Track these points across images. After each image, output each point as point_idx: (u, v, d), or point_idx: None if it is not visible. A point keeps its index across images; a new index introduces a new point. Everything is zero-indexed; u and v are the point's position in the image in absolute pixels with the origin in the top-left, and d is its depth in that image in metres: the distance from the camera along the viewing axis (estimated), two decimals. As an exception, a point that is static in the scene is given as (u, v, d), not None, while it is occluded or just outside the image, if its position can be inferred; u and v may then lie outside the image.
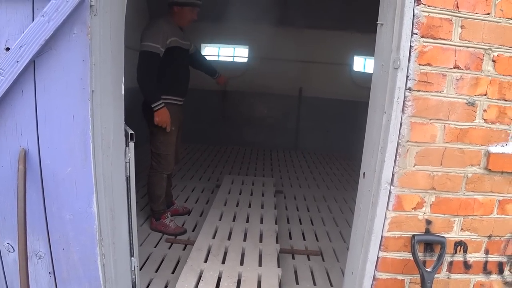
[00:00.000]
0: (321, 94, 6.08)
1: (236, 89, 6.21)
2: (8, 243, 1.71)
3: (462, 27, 1.58)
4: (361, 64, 6.71)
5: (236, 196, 3.68)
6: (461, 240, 1.77)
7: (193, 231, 3.17)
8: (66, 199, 1.68)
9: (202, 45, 6.38)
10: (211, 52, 6.55)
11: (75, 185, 1.68)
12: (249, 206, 3.46)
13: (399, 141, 1.61)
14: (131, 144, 1.97)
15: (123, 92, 1.91)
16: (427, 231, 1.73)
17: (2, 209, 1.66)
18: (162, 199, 3.05)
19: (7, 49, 1.52)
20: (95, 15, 1.60)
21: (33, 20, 1.50)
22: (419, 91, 1.58)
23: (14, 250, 1.70)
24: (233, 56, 6.60)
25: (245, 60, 6.38)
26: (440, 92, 1.60)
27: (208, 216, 3.16)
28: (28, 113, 1.58)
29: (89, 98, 1.60)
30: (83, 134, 1.63)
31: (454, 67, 1.60)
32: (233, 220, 3.19)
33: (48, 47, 1.53)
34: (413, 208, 1.70)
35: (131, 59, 2.74)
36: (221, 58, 6.61)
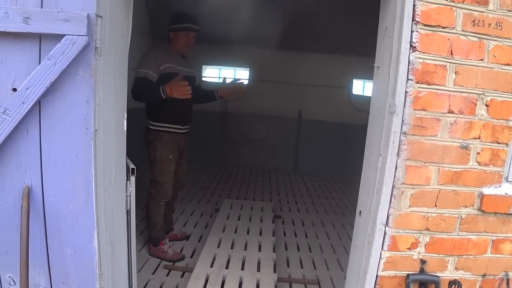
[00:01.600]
0: (321, 117, 6.15)
1: (236, 111, 6.29)
2: (9, 277, 1.72)
3: (456, 73, 1.63)
4: (360, 87, 6.79)
5: (235, 222, 3.69)
6: (455, 279, 1.79)
7: (191, 257, 3.16)
8: (68, 234, 1.71)
9: (203, 66, 6.47)
10: (212, 73, 6.63)
11: (76, 222, 1.70)
12: (248, 233, 3.46)
13: (394, 183, 1.65)
14: (132, 179, 2.00)
15: (125, 128, 1.95)
16: (422, 271, 1.75)
17: (5, 244, 1.68)
18: (159, 226, 3.06)
19: (14, 89, 1.56)
20: (99, 56, 1.64)
21: (39, 62, 1.55)
22: (414, 135, 1.62)
23: (15, 283, 1.71)
24: (234, 78, 6.66)
25: (246, 82, 6.46)
26: (435, 136, 1.64)
27: (207, 243, 3.16)
28: (32, 151, 1.62)
29: (92, 137, 1.64)
30: (85, 173, 1.66)
31: (448, 112, 1.64)
32: (231, 248, 3.19)
33: (53, 88, 1.57)
34: (407, 248, 1.72)
35: (131, 80, 2.79)
36: (222, 80, 6.69)
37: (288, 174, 6.37)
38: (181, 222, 3.81)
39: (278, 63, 6.15)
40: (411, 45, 1.59)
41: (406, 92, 1.60)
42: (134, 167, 1.99)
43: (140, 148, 3.09)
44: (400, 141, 1.62)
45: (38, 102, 1.57)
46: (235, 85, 3.21)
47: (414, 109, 1.61)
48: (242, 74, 6.59)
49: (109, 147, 1.78)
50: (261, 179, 5.90)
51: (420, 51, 1.59)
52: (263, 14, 5.61)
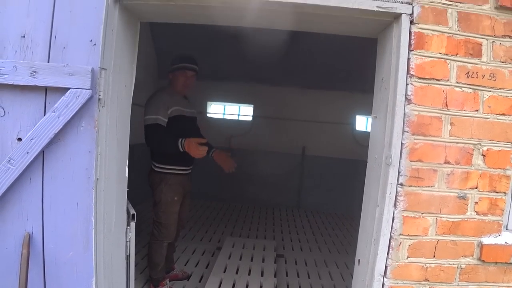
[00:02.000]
0: (324, 153, 6.17)
1: (240, 147, 6.32)
2: (7, 324, 1.70)
3: (451, 124, 1.65)
4: (363, 123, 6.83)
5: (236, 262, 3.63)
6: (457, 331, 1.73)
7: (191, 298, 3.10)
8: (66, 282, 1.70)
9: (208, 103, 6.58)
10: (217, 110, 6.73)
11: (75, 269, 1.70)
12: (249, 274, 3.39)
13: (392, 234, 1.63)
14: (132, 224, 2.00)
15: (126, 175, 1.97)
16: (423, 323, 1.70)
17: (3, 289, 1.68)
18: (161, 267, 3.01)
19: (19, 139, 1.61)
20: (102, 107, 1.69)
21: (44, 113, 1.60)
22: (410, 186, 1.62)
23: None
24: (238, 115, 6.77)
25: (250, 118, 6.54)
26: (432, 186, 1.64)
27: (207, 284, 3.10)
28: (34, 199, 1.64)
29: (93, 186, 1.66)
30: (86, 221, 1.67)
31: (445, 162, 1.64)
32: (232, 289, 3.12)
33: (57, 138, 1.62)
34: (407, 300, 1.68)
35: (137, 116, 2.82)
36: (226, 116, 6.77)
37: (291, 210, 6.31)
38: (182, 261, 3.75)
39: (282, 99, 6.25)
40: (406, 98, 1.62)
41: (402, 143, 1.62)
42: (134, 212, 2.00)
43: (141, 181, 3.09)
44: (397, 192, 1.61)
45: (42, 152, 1.61)
46: (230, 159, 3.21)
47: (411, 160, 1.61)
48: (246, 111, 6.67)
49: (110, 195, 1.80)
50: (264, 215, 5.84)
51: (415, 104, 1.62)
52: (266, 52, 5.76)
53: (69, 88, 1.57)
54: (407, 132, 1.62)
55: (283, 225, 5.38)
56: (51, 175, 1.64)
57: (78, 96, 1.58)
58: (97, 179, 1.69)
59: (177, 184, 2.92)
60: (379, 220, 1.64)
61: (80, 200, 1.66)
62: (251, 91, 6.28)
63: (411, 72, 1.61)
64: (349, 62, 5.36)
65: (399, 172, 1.61)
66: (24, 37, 1.58)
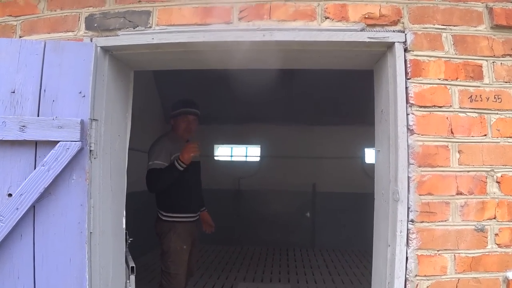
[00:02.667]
0: (335, 189, 5.96)
1: (250, 188, 6.19)
2: None
3: (459, 152, 1.52)
4: (373, 156, 6.65)
5: (250, 309, 3.40)
6: None
7: None
8: None
9: (215, 146, 6.54)
10: (224, 152, 6.67)
11: (70, 331, 1.55)
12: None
13: (407, 276, 1.46)
14: (132, 278, 1.87)
15: (124, 226, 1.87)
16: None
17: None
18: (171, 319, 2.81)
19: (10, 195, 1.53)
20: (94, 158, 1.62)
21: (35, 167, 1.53)
22: (422, 222, 1.47)
23: None
24: (246, 156, 6.70)
25: (258, 159, 6.45)
26: (446, 221, 1.49)
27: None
28: (25, 256, 1.54)
29: (86, 241, 1.56)
30: (79, 277, 1.56)
31: (457, 194, 1.50)
32: None
33: (48, 192, 1.54)
34: None
35: (139, 163, 2.76)
36: (234, 158, 6.70)
37: (306, 249, 6.01)
38: (194, 311, 3.54)
39: (288, 138, 6.17)
40: (408, 128, 1.51)
41: (409, 177, 1.49)
42: (134, 265, 1.87)
43: (148, 229, 2.97)
44: (408, 229, 1.47)
45: (33, 207, 1.53)
46: (212, 223, 3.24)
47: (420, 195, 1.48)
48: (253, 151, 6.60)
49: (106, 249, 1.69)
50: (278, 257, 5.56)
51: (418, 134, 1.51)
52: (269, 91, 5.77)
53: (58, 141, 1.51)
54: (412, 164, 1.49)
55: (297, 265, 5.11)
56: (42, 231, 1.54)
57: (68, 148, 1.51)
58: (90, 232, 1.59)
59: (186, 232, 2.78)
60: (392, 261, 1.48)
61: (73, 255, 1.55)
62: (257, 131, 6.24)
63: (411, 101, 1.52)
64: (352, 95, 5.29)
65: (408, 208, 1.47)
66: (14, 92, 1.54)
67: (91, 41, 1.65)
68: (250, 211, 6.14)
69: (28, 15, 1.73)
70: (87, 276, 1.56)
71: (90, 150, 1.59)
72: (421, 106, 1.52)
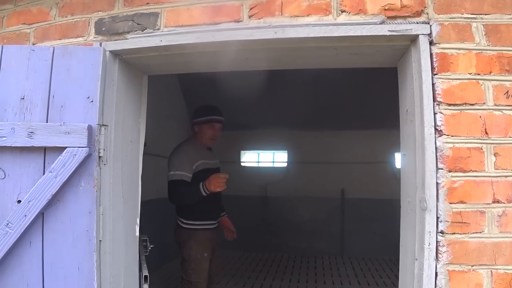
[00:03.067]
0: (364, 195, 5.68)
1: (277, 194, 6.04)
2: None
3: (495, 154, 1.34)
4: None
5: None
6: None
7: None
8: None
9: (241, 152, 6.45)
10: (251, 158, 6.57)
11: None
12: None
13: (438, 294, 1.29)
14: (145, 287, 1.80)
15: (137, 234, 1.80)
16: None
17: None
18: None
19: (19, 201, 1.50)
20: (104, 164, 1.57)
21: (44, 174, 1.49)
22: (454, 234, 1.30)
23: None
24: (273, 162, 6.56)
25: (285, 164, 6.30)
26: (481, 232, 1.30)
27: None
28: (35, 264, 1.51)
29: (95, 249, 1.50)
30: (88, 286, 1.50)
31: (494, 202, 1.32)
32: None
33: (56, 199, 1.50)
34: None
35: (162, 168, 2.68)
36: (260, 164, 6.59)
37: (335, 257, 5.76)
38: (217, 321, 3.43)
39: (315, 143, 5.99)
40: (436, 129, 1.35)
41: (437, 183, 1.32)
42: (147, 274, 1.80)
43: (170, 238, 2.91)
44: (437, 242, 1.29)
45: (42, 214, 1.49)
46: (234, 229, 3.05)
47: (450, 203, 1.30)
48: (280, 157, 6.46)
49: (117, 257, 1.63)
50: (305, 265, 5.36)
51: (447, 135, 1.34)
52: (296, 96, 5.64)
53: (66, 147, 1.47)
54: (442, 169, 1.32)
55: (325, 274, 4.89)
56: (51, 238, 1.50)
57: (75, 155, 1.46)
58: (100, 240, 1.54)
59: (206, 239, 2.69)
60: (419, 277, 1.31)
61: (81, 264, 1.50)
62: (284, 137, 6.10)
63: (438, 99, 1.35)
64: (380, 97, 5.03)
65: (437, 218, 1.30)
66: (23, 98, 1.52)
67: (101, 46, 1.60)
68: (277, 218, 5.99)
69: (41, 22, 1.71)
70: (96, 285, 1.49)
71: (99, 156, 1.54)
72: (450, 104, 1.34)
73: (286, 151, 6.29)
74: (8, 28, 1.76)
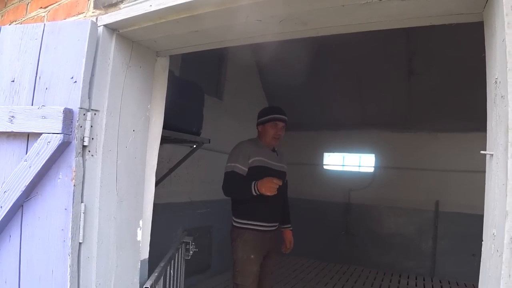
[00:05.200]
0: (464, 209, 4.38)
1: (362, 202, 5.22)
2: None
3: None
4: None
5: None
6: None
7: None
8: None
9: (325, 154, 5.77)
10: (335, 161, 5.82)
11: None
12: None
13: None
14: (146, 301, 1.45)
15: (139, 238, 1.46)
16: None
17: None
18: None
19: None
20: (92, 155, 1.26)
21: (24, 162, 1.25)
22: None
23: None
24: (359, 166, 5.70)
25: (372, 169, 5.41)
26: None
27: None
28: (12, 261, 1.28)
29: (70, 252, 1.19)
30: (61, 293, 1.20)
31: None
32: None
33: (34, 191, 1.24)
34: None
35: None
36: (345, 168, 5.79)
37: (423, 278, 4.63)
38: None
39: (407, 147, 4.97)
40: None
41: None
42: (148, 286, 1.45)
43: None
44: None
45: (21, 206, 1.25)
46: (289, 247, 2.73)
47: None
48: (367, 161, 5.58)
49: (104, 263, 1.31)
50: (387, 282, 4.44)
51: None
52: (388, 93, 4.80)
53: (41, 133, 1.20)
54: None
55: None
56: (28, 234, 1.26)
57: (49, 142, 1.18)
58: (80, 243, 1.23)
59: (254, 240, 2.39)
60: None
61: (55, 266, 1.22)
62: (371, 138, 5.24)
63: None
64: (485, 93, 3.92)
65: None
66: (13, 81, 1.31)
67: (96, 21, 1.31)
68: (359, 228, 5.16)
69: (53, 4, 1.51)
70: (68, 293, 1.19)
71: (84, 146, 1.24)
72: None
73: (374, 155, 5.38)
74: (30, 14, 1.62)
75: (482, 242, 0.90)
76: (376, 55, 4.39)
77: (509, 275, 0.73)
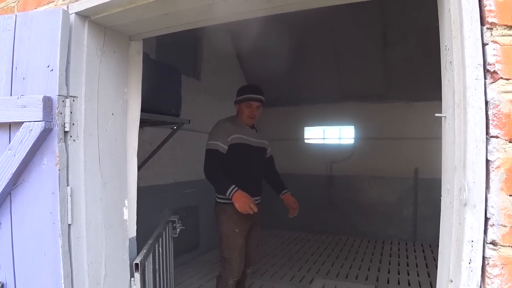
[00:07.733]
0: (441, 175, 4.66)
1: (344, 173, 5.41)
2: None
3: None
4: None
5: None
6: None
7: None
8: None
9: (305, 128, 5.89)
10: (315, 135, 5.95)
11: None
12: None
13: None
14: (137, 276, 1.54)
15: (125, 217, 1.54)
16: None
17: None
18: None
19: (-7, 182, 1.33)
20: (74, 140, 1.31)
21: (9, 152, 1.29)
22: (515, 246, 0.73)
23: None
24: (339, 138, 5.85)
25: (352, 141, 5.58)
26: None
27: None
28: (6, 246, 1.35)
29: (60, 234, 1.27)
30: (54, 273, 1.30)
31: None
32: None
33: (21, 179, 1.29)
34: None
35: None
36: (326, 141, 5.93)
37: (405, 243, 4.92)
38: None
39: (386, 117, 5.13)
40: (486, 70, 0.78)
41: (488, 161, 0.76)
42: (138, 262, 1.54)
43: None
44: (484, 258, 0.75)
45: (9, 194, 1.31)
46: (297, 206, 2.75)
47: (510, 195, 0.74)
48: (347, 133, 5.74)
49: (94, 242, 1.39)
50: (371, 250, 4.66)
51: (507, 79, 0.76)
52: (364, 65, 4.89)
53: (23, 122, 1.24)
54: (496, 137, 0.76)
55: (392, 262, 4.19)
56: (18, 220, 1.33)
57: (31, 130, 1.23)
58: (69, 224, 1.30)
59: (238, 215, 2.46)
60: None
61: (47, 249, 1.30)
62: (350, 111, 5.37)
63: (490, 19, 0.77)
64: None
65: (486, 219, 0.75)
66: (-10, 72, 1.32)
67: (67, 9, 1.33)
68: (343, 199, 5.37)
69: (21, -8, 1.50)
70: (62, 273, 1.27)
71: (65, 132, 1.29)
72: (509, 27, 0.76)
73: (353, 126, 5.55)
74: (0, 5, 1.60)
75: (441, 198, 1.02)
76: (351, 28, 4.46)
77: (459, 223, 0.84)
